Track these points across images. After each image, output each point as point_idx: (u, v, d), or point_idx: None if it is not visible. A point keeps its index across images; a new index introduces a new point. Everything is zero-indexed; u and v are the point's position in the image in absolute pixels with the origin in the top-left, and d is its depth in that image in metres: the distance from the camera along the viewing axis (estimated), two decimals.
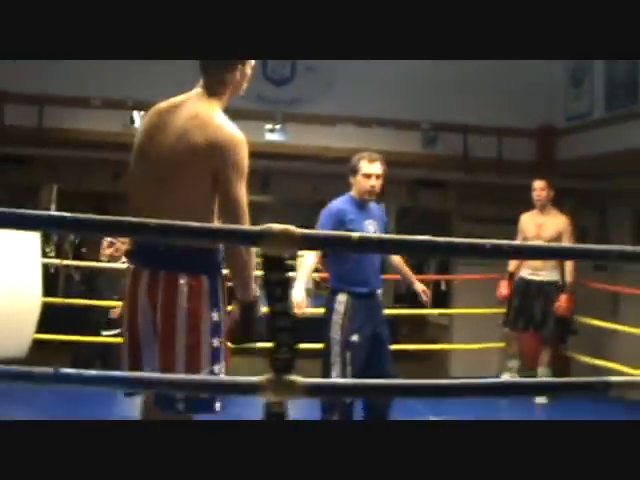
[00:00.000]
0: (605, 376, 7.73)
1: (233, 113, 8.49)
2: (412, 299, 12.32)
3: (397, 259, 5.68)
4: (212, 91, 3.32)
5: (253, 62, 3.41)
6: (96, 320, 7.92)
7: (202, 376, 1.97)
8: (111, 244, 7.95)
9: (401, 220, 12.25)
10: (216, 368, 3.10)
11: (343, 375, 5.00)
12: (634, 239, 9.29)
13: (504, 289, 7.94)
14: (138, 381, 1.95)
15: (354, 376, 4.96)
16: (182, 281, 3.07)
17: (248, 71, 3.39)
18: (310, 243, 1.88)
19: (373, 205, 5.39)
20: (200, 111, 3.23)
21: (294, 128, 8.32)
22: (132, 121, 8.04)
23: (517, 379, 4.35)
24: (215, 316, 3.14)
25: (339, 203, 5.29)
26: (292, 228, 1.70)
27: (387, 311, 10.37)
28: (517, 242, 5.55)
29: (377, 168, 5.24)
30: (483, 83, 8.65)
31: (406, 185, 9.70)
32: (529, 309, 7.86)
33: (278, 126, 8.30)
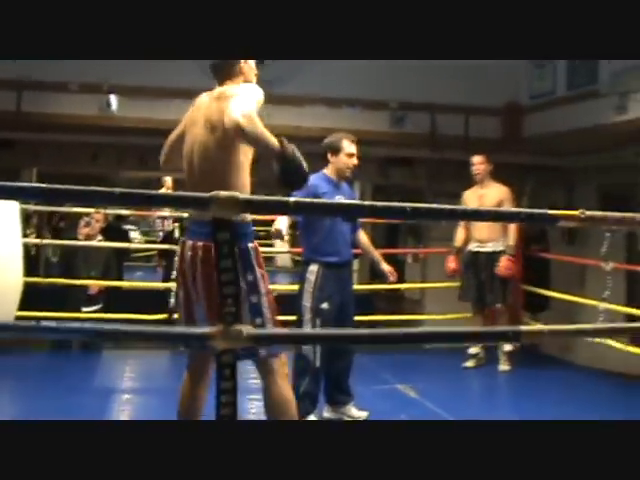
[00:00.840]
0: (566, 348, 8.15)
1: None
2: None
3: (364, 240, 6.00)
4: (224, 81, 4.00)
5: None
6: (76, 297, 8.13)
7: (162, 328, 2.20)
8: (87, 224, 8.17)
9: (376, 197, 12.53)
10: (258, 321, 3.64)
11: None
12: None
13: (451, 263, 8.24)
14: (106, 333, 2.20)
15: None
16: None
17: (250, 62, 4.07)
18: (251, 206, 2.15)
19: (344, 183, 5.71)
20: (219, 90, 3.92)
21: (266, 108, 8.51)
22: (109, 104, 8.24)
23: (438, 329, 4.59)
24: (250, 277, 3.67)
25: (313, 179, 5.57)
26: (236, 194, 1.98)
27: (364, 286, 10.76)
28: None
29: (355, 148, 5.73)
30: (450, 63, 8.87)
31: (376, 163, 9.91)
32: (479, 281, 8.15)
33: None
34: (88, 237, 8.31)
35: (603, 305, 6.95)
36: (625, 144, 8.09)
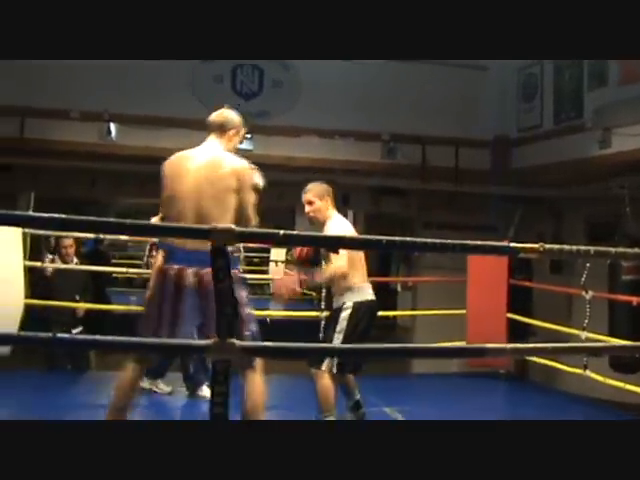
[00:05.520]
0: (555, 379, 8.27)
1: (203, 125, 9.02)
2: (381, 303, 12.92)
3: None
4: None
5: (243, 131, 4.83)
6: (61, 321, 8.21)
7: (166, 339, 2.42)
8: (53, 258, 8.37)
9: (369, 226, 12.77)
10: (253, 327, 4.39)
11: None
12: (588, 243, 9.84)
13: None
14: (114, 344, 2.40)
15: None
16: None
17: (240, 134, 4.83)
18: (245, 237, 2.39)
19: None
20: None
21: (261, 139, 8.73)
22: (109, 132, 8.47)
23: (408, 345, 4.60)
24: (245, 295, 4.42)
25: None
26: (232, 226, 2.22)
27: None
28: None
29: None
30: (441, 96, 9.16)
31: (369, 192, 10.16)
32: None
33: (248, 135, 8.67)
34: (64, 262, 8.41)
35: (584, 334, 7.16)
36: (609, 176, 8.33)
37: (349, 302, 5.87)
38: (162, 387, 7.18)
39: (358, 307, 5.88)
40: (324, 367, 5.71)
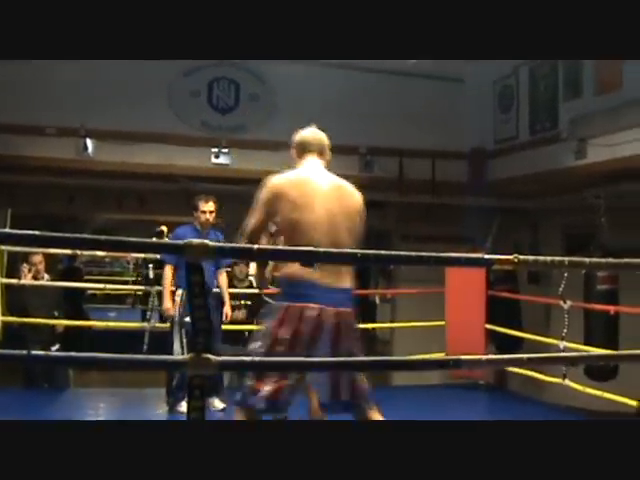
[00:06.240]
0: (535, 389, 8.26)
1: (180, 139, 8.94)
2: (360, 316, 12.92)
3: (223, 281, 7.28)
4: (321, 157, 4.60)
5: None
6: (40, 338, 8.15)
7: (146, 356, 2.43)
8: (30, 269, 8.27)
9: None
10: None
11: (181, 345, 6.77)
12: (564, 253, 9.88)
13: None
14: (91, 360, 2.39)
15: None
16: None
17: None
18: (220, 253, 2.39)
19: (210, 231, 6.86)
20: None
21: (238, 153, 8.78)
22: (85, 148, 8.44)
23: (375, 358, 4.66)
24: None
25: (179, 230, 6.90)
26: (207, 242, 2.22)
27: None
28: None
29: (210, 206, 6.85)
30: (417, 109, 9.20)
31: None
32: None
33: (225, 150, 8.69)
34: (35, 279, 8.34)
35: (563, 343, 7.19)
36: (585, 187, 8.38)
37: None
38: (217, 404, 6.94)
39: None
40: None
